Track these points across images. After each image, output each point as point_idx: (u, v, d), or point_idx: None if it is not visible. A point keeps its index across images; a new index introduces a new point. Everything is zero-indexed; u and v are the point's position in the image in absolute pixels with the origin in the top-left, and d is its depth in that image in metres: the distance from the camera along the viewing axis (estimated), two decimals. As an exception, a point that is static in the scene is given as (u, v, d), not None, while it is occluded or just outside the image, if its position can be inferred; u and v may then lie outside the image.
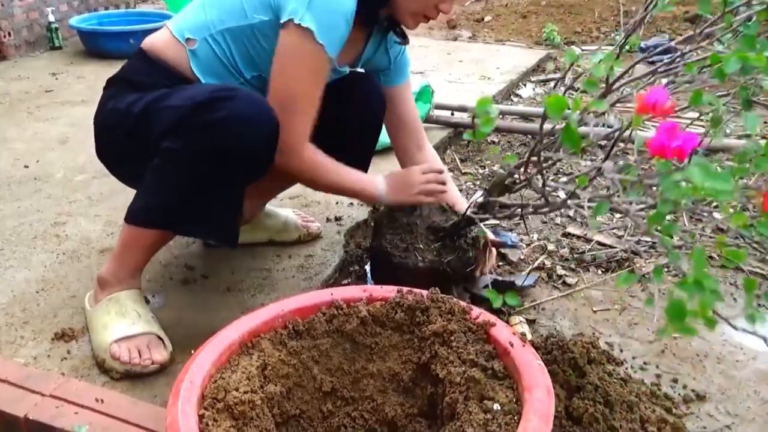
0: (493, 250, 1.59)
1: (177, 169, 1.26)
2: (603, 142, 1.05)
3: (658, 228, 0.80)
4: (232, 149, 1.23)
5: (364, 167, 1.64)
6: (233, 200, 1.33)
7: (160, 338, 1.34)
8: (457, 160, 2.52)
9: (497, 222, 1.61)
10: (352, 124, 1.54)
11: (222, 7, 1.36)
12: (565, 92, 1.17)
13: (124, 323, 1.33)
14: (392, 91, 1.62)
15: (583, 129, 0.92)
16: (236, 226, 1.37)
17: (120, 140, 1.37)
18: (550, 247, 1.85)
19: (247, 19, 1.33)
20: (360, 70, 1.57)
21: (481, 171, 2.41)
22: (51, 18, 3.85)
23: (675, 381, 1.35)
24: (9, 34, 3.70)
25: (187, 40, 1.36)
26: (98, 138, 1.45)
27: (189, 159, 1.24)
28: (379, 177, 1.52)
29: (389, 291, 1.19)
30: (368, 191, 1.50)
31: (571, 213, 2.04)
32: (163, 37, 1.41)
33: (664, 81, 1.09)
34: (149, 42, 1.42)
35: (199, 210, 1.30)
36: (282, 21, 1.28)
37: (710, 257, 1.80)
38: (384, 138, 1.72)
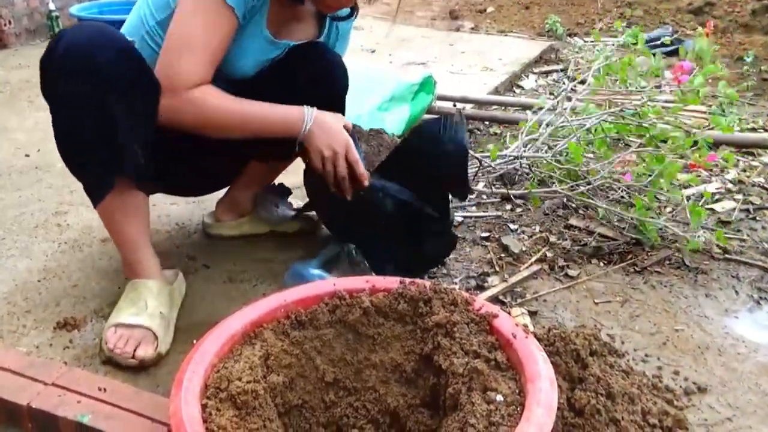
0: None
1: (67, 129, 1.25)
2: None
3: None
4: (86, 75, 1.19)
5: None
6: (133, 129, 1.27)
7: (156, 336, 1.31)
8: (459, 152, 2.51)
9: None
10: (310, 100, 1.46)
11: (151, 0, 1.38)
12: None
13: (129, 311, 1.33)
14: None
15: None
16: (140, 155, 1.30)
17: None
18: (552, 239, 1.85)
19: (171, 6, 1.33)
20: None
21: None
22: (51, 6, 3.84)
23: (676, 373, 1.35)
24: (9, 22, 3.68)
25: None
26: None
27: (63, 112, 1.24)
28: (308, 108, 1.41)
29: (392, 282, 1.19)
30: (291, 116, 1.38)
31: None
32: None
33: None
34: None
35: (110, 153, 1.26)
36: None
37: (708, 251, 1.80)
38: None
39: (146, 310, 1.33)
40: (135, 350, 1.28)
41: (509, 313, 1.44)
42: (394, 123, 2.43)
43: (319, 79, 1.49)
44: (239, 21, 1.31)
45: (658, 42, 2.45)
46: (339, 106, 1.55)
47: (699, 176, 2.25)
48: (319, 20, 1.55)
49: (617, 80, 2.48)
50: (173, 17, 1.30)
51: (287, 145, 1.43)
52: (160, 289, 1.38)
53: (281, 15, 1.42)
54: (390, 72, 3.16)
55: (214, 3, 1.27)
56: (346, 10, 1.50)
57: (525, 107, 2.88)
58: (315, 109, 1.41)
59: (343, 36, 1.62)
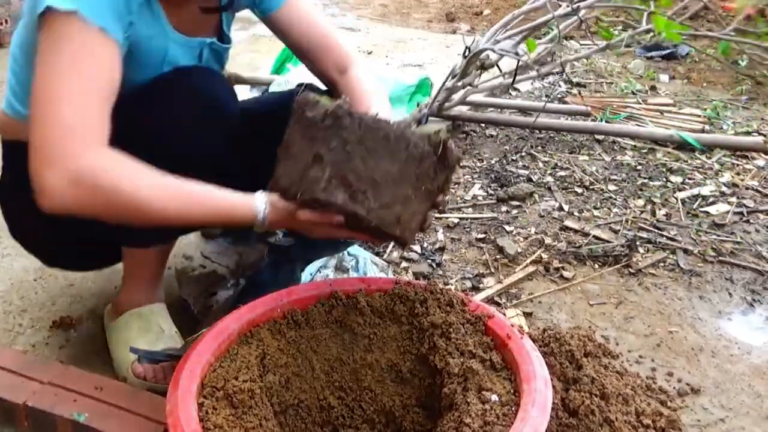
0: None
1: None
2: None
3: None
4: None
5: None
6: None
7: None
8: (456, 153, 2.51)
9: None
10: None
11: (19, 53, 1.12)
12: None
13: (146, 339, 1.26)
14: (275, 19, 1.28)
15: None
16: None
17: None
18: (548, 240, 1.86)
19: (27, 25, 1.07)
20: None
21: (479, 164, 2.41)
22: (48, 6, 3.84)
23: (670, 374, 1.36)
24: (6, 21, 3.67)
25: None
26: None
27: None
28: (260, 196, 1.05)
29: (388, 282, 1.20)
30: (239, 212, 1.04)
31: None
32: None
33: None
34: None
35: None
36: (38, 17, 0.95)
37: (702, 253, 1.81)
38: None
39: (164, 333, 1.28)
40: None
41: (504, 314, 1.45)
42: (391, 124, 2.44)
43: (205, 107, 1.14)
44: (119, 43, 1.01)
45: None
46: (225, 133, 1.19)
47: (693, 179, 2.26)
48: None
49: (612, 84, 2.48)
50: (36, 72, 0.96)
51: None
52: (163, 309, 1.33)
53: (180, 13, 1.15)
54: (387, 73, 3.17)
55: (86, 40, 0.95)
56: None
57: (521, 109, 2.89)
58: (268, 199, 1.04)
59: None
